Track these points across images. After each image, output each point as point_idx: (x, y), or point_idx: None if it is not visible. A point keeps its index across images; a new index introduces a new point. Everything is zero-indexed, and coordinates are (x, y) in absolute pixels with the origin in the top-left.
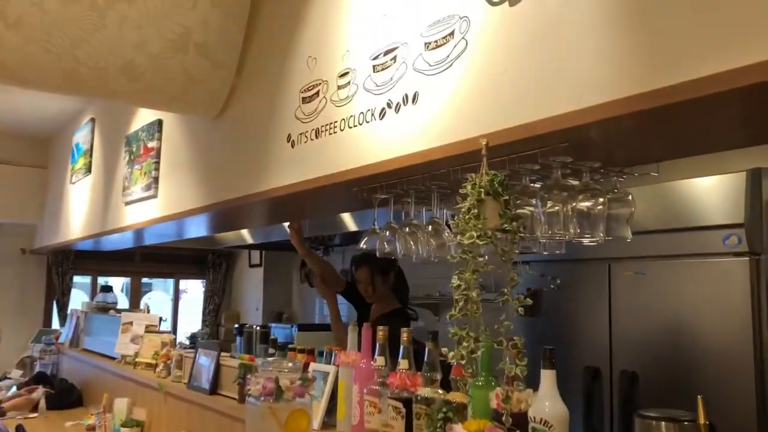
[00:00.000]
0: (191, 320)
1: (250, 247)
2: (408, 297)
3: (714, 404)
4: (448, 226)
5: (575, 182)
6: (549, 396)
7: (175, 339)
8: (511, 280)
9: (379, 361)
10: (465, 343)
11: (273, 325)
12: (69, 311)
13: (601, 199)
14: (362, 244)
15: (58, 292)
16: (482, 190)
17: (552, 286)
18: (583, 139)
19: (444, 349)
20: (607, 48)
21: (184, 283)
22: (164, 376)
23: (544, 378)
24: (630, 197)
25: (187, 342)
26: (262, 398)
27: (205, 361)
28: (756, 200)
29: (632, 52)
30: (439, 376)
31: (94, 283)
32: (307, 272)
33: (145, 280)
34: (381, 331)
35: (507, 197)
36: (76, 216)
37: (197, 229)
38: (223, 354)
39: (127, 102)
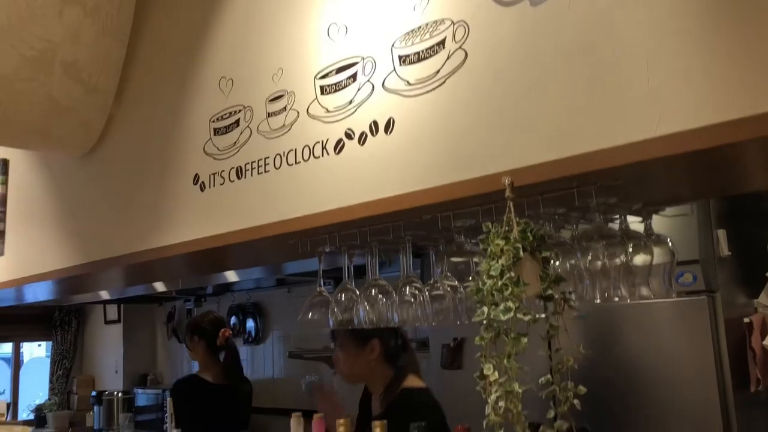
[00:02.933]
0: (36, 388)
1: (105, 302)
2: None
3: None
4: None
5: (612, 226)
6: None
7: None
8: (558, 369)
9: None
10: None
11: (138, 390)
12: None
13: (651, 248)
14: (307, 314)
15: None
16: (519, 246)
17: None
18: (646, 175)
19: None
20: (694, 55)
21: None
22: None
23: None
24: (670, 243)
25: (32, 416)
26: None
27: None
28: (707, 231)
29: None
30: None
31: None
32: (174, 327)
33: None
34: (342, 425)
35: (547, 254)
36: None
37: (44, 293)
38: None
39: None
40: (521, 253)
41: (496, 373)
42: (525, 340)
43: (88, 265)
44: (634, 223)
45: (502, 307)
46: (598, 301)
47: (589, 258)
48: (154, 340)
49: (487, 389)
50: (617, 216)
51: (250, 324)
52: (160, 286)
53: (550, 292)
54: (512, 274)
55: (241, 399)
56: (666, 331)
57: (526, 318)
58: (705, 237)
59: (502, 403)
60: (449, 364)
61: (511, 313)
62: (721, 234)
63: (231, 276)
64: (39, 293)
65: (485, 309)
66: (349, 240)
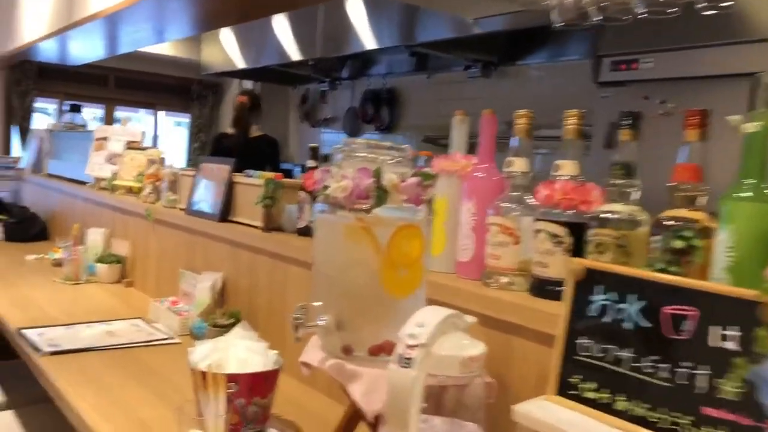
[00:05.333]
0: (173, 158)
1: (241, 74)
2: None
3: None
4: None
5: None
6: None
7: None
8: None
9: (518, 164)
10: None
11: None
12: (31, 133)
13: None
14: None
15: (17, 117)
16: None
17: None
18: None
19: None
20: None
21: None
22: (153, 201)
23: None
24: None
25: None
26: (348, 205)
27: (210, 181)
28: None
29: None
30: (637, 190)
31: (60, 109)
32: (307, 110)
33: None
34: (523, 117)
35: None
36: (30, 13)
37: (180, 24)
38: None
39: None
40: None
41: None
42: None
43: None
44: None
45: None
46: None
47: None
48: (287, 122)
49: None
50: None
51: (384, 111)
52: (296, 54)
53: None
54: None
55: (254, 147)
56: None
57: None
58: None
59: None
60: (606, 144)
61: None
62: None
63: (369, 42)
64: (181, 24)
65: None
66: None
